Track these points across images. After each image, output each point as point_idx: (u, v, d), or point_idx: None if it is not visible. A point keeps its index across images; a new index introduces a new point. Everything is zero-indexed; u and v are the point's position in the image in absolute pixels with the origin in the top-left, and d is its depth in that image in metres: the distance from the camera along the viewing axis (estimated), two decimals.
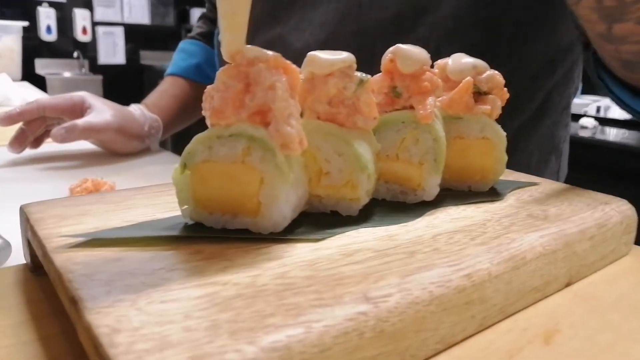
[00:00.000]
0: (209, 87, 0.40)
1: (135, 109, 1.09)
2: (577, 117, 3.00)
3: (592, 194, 0.57)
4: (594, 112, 3.18)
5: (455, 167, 0.56)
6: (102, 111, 0.98)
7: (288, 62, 0.40)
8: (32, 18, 4.55)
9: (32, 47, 4.56)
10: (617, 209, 0.54)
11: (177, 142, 5.14)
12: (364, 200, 0.46)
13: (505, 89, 0.56)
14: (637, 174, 2.52)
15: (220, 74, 0.39)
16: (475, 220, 0.48)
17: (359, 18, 0.89)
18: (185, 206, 0.42)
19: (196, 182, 0.41)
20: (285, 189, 0.40)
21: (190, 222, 0.42)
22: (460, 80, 0.55)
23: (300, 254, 0.38)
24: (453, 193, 0.55)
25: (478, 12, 0.85)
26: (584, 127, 2.92)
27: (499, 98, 0.56)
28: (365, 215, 0.47)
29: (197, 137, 0.40)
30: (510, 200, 0.54)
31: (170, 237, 0.40)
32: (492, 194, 0.56)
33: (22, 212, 0.45)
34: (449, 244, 0.41)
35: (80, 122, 0.93)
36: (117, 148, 1.02)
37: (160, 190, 0.51)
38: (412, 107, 0.50)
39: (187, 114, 1.25)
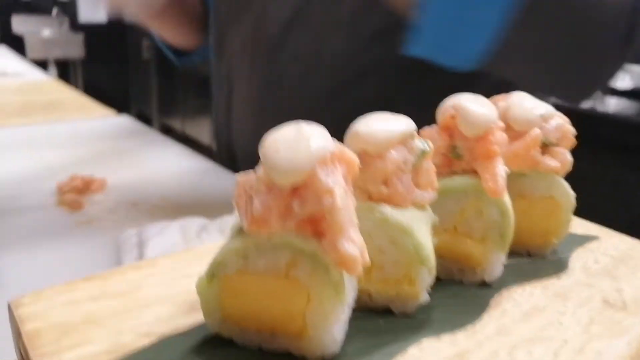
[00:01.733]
0: (243, 183, 0.31)
1: None
2: None
3: None
4: None
5: (514, 229, 0.49)
6: None
7: (345, 149, 0.31)
8: None
9: (7, 5, 4.31)
10: None
11: (161, 113, 4.98)
12: (424, 297, 0.38)
13: (574, 137, 0.48)
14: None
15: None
16: (548, 314, 0.40)
17: None
18: (213, 319, 0.34)
19: (227, 295, 0.33)
20: (340, 308, 0.32)
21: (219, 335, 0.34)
22: (525, 130, 0.46)
23: None
24: (511, 264, 0.48)
25: None
26: None
27: (569, 146, 0.48)
28: (421, 313, 0.39)
29: (230, 247, 0.32)
30: (577, 271, 0.47)
31: None
32: (553, 260, 0.49)
33: (11, 311, 0.36)
34: None
35: None
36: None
37: (174, 265, 0.43)
38: (474, 171, 0.42)
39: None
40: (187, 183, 1.04)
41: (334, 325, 0.32)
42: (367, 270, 0.38)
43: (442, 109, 0.42)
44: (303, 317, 0.32)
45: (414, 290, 0.38)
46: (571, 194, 0.47)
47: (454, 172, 0.43)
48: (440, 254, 0.43)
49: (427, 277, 0.38)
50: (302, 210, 0.30)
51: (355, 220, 0.31)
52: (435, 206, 0.42)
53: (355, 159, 0.32)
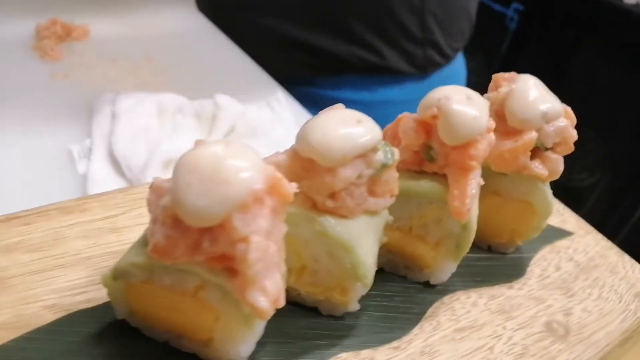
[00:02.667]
0: (156, 189, 0.27)
1: None
2: None
3: (629, 269, 0.48)
4: None
5: (480, 224, 0.45)
6: None
7: (280, 182, 0.27)
8: None
9: None
10: None
11: None
12: (354, 307, 0.36)
13: (573, 144, 0.42)
14: None
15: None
16: (483, 335, 0.39)
17: None
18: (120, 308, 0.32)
19: (132, 297, 0.31)
20: (249, 336, 0.30)
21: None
22: (520, 129, 0.40)
23: None
24: (467, 260, 0.45)
25: None
26: None
27: (565, 152, 0.42)
28: (349, 317, 0.37)
29: (134, 261, 0.28)
30: (533, 280, 0.45)
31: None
32: (513, 260, 0.46)
33: None
34: None
35: None
36: None
37: (105, 213, 0.40)
38: (444, 176, 0.37)
39: None
40: (174, 44, 0.96)
41: (241, 346, 0.31)
42: (299, 272, 0.36)
43: (426, 102, 0.36)
44: (210, 331, 0.31)
45: (344, 299, 0.36)
46: (551, 202, 0.43)
47: (422, 172, 0.38)
48: (389, 249, 0.41)
49: (361, 289, 0.35)
50: (212, 249, 0.26)
51: (277, 260, 0.28)
52: (394, 205, 0.38)
53: (289, 193, 0.27)
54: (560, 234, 0.50)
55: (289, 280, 0.36)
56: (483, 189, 0.41)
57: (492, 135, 0.37)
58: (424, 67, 0.95)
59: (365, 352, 0.36)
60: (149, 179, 0.64)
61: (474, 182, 0.36)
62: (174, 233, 0.26)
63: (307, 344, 0.35)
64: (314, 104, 0.84)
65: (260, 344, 0.33)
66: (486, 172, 0.41)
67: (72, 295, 0.34)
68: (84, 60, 0.85)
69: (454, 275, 0.42)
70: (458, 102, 0.35)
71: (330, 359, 0.34)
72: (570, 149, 0.42)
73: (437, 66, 0.96)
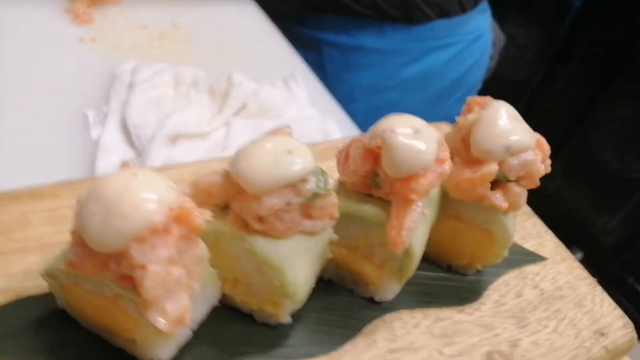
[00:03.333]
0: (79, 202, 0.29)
1: None
2: None
3: (597, 303, 0.47)
4: None
5: (440, 245, 0.45)
6: None
7: (187, 210, 0.28)
8: None
9: None
10: (610, 345, 0.44)
11: None
12: (286, 320, 0.38)
13: (538, 179, 0.41)
14: None
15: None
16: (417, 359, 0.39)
17: None
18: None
19: (66, 294, 0.33)
20: (165, 346, 0.32)
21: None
22: (483, 159, 0.39)
23: None
24: (421, 278, 0.45)
25: None
26: None
27: (530, 186, 0.41)
28: (285, 328, 0.39)
29: (58, 267, 0.31)
30: (487, 305, 0.45)
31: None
32: (470, 283, 0.46)
33: None
34: None
35: None
36: None
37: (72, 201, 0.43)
38: (390, 202, 0.37)
39: None
40: (203, 13, 0.97)
41: (159, 349, 0.33)
42: (233, 283, 0.37)
43: (373, 131, 0.36)
44: (132, 332, 0.33)
45: (276, 311, 0.37)
46: (511, 233, 0.42)
47: (370, 195, 0.38)
48: (337, 264, 0.42)
49: (292, 305, 0.37)
50: (117, 269, 0.28)
51: (185, 283, 0.29)
52: (341, 225, 0.39)
53: (198, 224, 0.28)
54: (532, 258, 0.49)
55: (224, 288, 0.37)
56: (443, 212, 0.41)
57: (444, 166, 0.37)
58: (411, 15, 0.90)
59: None
60: (154, 152, 0.67)
61: (414, 214, 0.36)
62: (82, 252, 0.28)
63: (237, 349, 0.37)
64: (302, 44, 0.86)
65: (191, 344, 0.36)
66: (447, 196, 0.41)
67: (25, 280, 0.37)
68: (114, 24, 0.88)
69: (403, 292, 0.43)
70: (403, 136, 0.34)
71: None
72: (535, 184, 0.41)
73: (427, 17, 0.91)
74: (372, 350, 0.39)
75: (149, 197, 0.27)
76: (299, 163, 0.32)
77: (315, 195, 0.33)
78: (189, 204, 0.28)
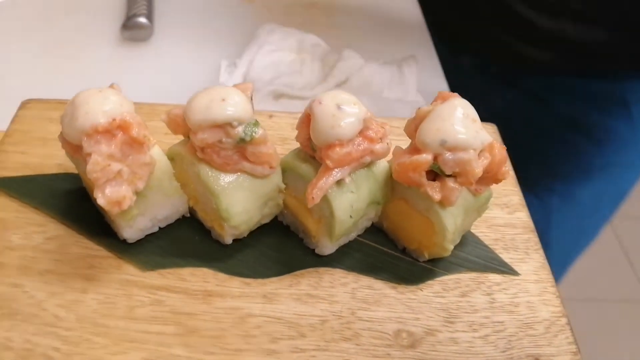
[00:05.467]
0: None
1: None
2: None
3: (552, 328, 0.45)
4: None
5: (394, 224, 0.49)
6: None
7: (128, 122, 0.39)
8: None
9: None
10: None
11: None
12: (227, 241, 0.47)
13: (478, 180, 0.42)
14: None
15: None
16: (325, 310, 0.45)
17: None
18: None
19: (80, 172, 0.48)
20: (126, 223, 0.44)
21: None
22: (422, 150, 0.42)
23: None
24: (373, 251, 0.49)
25: None
26: None
27: (465, 184, 0.42)
28: (234, 247, 0.48)
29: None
30: (425, 292, 0.47)
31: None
32: (415, 271, 0.48)
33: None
34: (253, 334, 0.42)
35: None
36: None
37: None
38: None
39: None
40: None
41: (125, 229, 0.45)
42: (195, 200, 0.48)
43: (310, 101, 0.42)
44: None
45: (222, 232, 0.47)
46: (447, 227, 0.44)
47: (312, 157, 0.44)
48: (291, 212, 0.49)
49: (231, 229, 0.46)
50: (81, 156, 0.40)
51: (125, 178, 0.40)
52: (289, 177, 0.46)
53: (136, 136, 0.39)
54: (499, 267, 0.49)
55: (190, 202, 0.48)
56: (394, 192, 0.46)
57: (374, 145, 0.41)
58: None
59: (220, 275, 0.46)
60: (256, 104, 0.80)
61: (329, 178, 0.41)
62: (62, 139, 0.41)
63: (188, 251, 0.47)
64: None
65: (156, 237, 0.47)
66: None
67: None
68: None
69: (348, 256, 0.48)
70: (325, 108, 0.40)
71: (188, 268, 0.46)
72: (470, 182, 0.42)
73: None
74: (292, 289, 0.46)
75: (99, 108, 0.38)
76: (227, 109, 0.40)
77: (242, 140, 0.41)
78: (133, 119, 0.39)
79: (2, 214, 0.48)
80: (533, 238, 0.52)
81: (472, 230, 0.52)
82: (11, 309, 0.42)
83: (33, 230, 0.47)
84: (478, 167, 0.41)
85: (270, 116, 0.59)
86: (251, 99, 0.44)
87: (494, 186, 0.54)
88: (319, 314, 0.45)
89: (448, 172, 0.42)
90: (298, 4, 1.00)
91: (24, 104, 0.57)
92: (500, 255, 0.50)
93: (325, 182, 0.41)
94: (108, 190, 0.40)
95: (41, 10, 0.88)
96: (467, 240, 0.51)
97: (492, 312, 0.46)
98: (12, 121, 0.56)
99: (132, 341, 0.41)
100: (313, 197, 0.41)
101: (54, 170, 0.52)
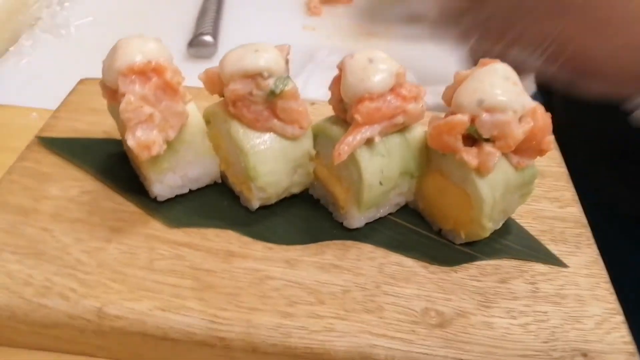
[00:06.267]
0: None
1: None
2: None
3: (604, 325, 0.40)
4: None
5: (429, 201, 0.46)
6: None
7: (161, 63, 0.40)
8: None
9: None
10: None
11: None
12: (254, 206, 0.46)
13: (519, 150, 0.39)
14: None
15: None
16: (349, 280, 0.42)
17: None
18: None
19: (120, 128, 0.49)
20: (153, 169, 0.44)
21: None
22: (458, 112, 0.40)
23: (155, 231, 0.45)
24: (401, 229, 0.46)
25: None
26: None
27: (505, 149, 0.40)
28: (259, 213, 0.47)
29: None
30: (459, 273, 0.43)
31: None
32: (456, 251, 0.45)
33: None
34: (270, 295, 0.40)
35: None
36: None
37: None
38: None
39: None
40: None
41: (155, 186, 0.45)
42: (226, 162, 0.47)
43: (343, 57, 0.41)
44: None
45: (249, 196, 0.46)
46: (484, 198, 0.41)
47: (344, 120, 0.43)
48: (321, 183, 0.47)
49: (258, 191, 0.45)
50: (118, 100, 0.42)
51: (156, 122, 0.41)
52: (320, 143, 0.45)
53: (169, 80, 0.40)
54: (545, 257, 0.45)
55: (221, 166, 0.48)
56: (430, 164, 0.44)
57: (406, 104, 0.40)
58: None
59: (244, 238, 0.45)
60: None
61: (358, 134, 0.40)
62: (103, 86, 0.42)
63: (216, 214, 0.47)
64: None
65: (186, 199, 0.47)
66: (432, 149, 0.43)
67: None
68: (336, 20, 1.05)
69: (379, 232, 0.46)
70: (356, 62, 0.39)
71: (213, 229, 0.45)
72: (509, 147, 0.39)
73: None
74: (316, 257, 0.44)
75: (136, 49, 0.40)
76: (259, 59, 0.40)
77: (272, 93, 0.41)
78: (169, 65, 0.40)
79: (46, 168, 0.50)
80: (585, 233, 0.47)
81: (518, 221, 0.48)
82: (37, 250, 0.43)
83: (71, 184, 0.49)
84: (518, 130, 0.38)
85: (312, 104, 0.59)
86: (287, 62, 0.44)
87: (544, 180, 0.51)
88: (342, 284, 0.42)
89: (486, 136, 0.39)
90: (357, 32, 1.02)
91: (82, 81, 0.60)
92: (548, 247, 0.46)
93: (353, 138, 0.40)
94: (139, 133, 0.40)
95: (116, 29, 0.95)
96: (510, 228, 0.47)
97: (534, 300, 0.42)
98: (69, 94, 0.59)
99: (147, 290, 0.41)
100: (340, 153, 0.40)
101: (99, 136, 0.54)
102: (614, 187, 0.71)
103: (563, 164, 0.54)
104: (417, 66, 0.86)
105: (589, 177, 0.57)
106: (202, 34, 0.87)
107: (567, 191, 0.51)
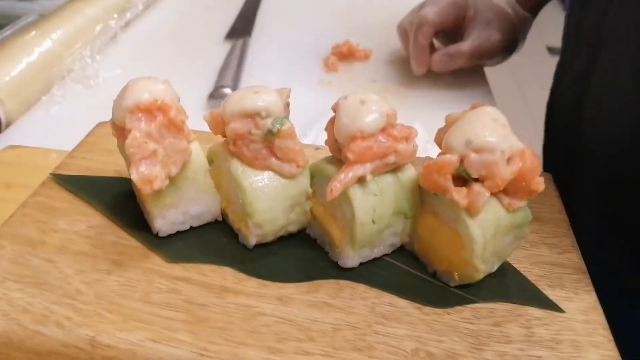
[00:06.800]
0: None
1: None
2: None
3: None
4: None
5: (423, 242, 0.47)
6: (490, 25, 0.80)
7: (166, 102, 0.42)
8: None
9: None
10: None
11: None
12: (251, 243, 0.47)
13: (510, 191, 0.39)
14: None
15: None
16: (340, 319, 0.42)
17: None
18: None
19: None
20: (157, 211, 0.46)
21: None
22: (447, 152, 0.41)
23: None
24: (395, 270, 0.47)
25: None
26: None
27: (493, 189, 0.40)
28: (257, 251, 0.48)
29: None
30: (452, 316, 0.43)
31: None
32: (450, 293, 0.45)
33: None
34: (261, 331, 0.41)
35: (466, 47, 0.80)
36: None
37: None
38: None
39: None
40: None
41: (156, 222, 0.47)
42: (227, 200, 0.49)
43: (336, 101, 0.43)
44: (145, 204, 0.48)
45: (247, 233, 0.47)
46: (474, 238, 0.41)
47: (339, 160, 0.45)
48: (318, 221, 0.48)
49: (255, 228, 0.46)
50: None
51: (160, 159, 0.43)
52: (317, 182, 0.47)
53: (173, 118, 0.42)
54: (545, 303, 0.44)
55: (222, 203, 0.49)
56: (423, 205, 0.45)
57: (397, 144, 0.41)
58: None
59: (240, 275, 0.46)
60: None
61: (350, 172, 0.41)
62: (114, 125, 0.45)
63: (212, 249, 0.48)
64: None
65: (186, 235, 0.49)
66: (424, 190, 0.44)
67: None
68: (352, 76, 1.08)
69: (374, 274, 0.46)
70: (349, 103, 0.41)
71: (210, 265, 0.46)
72: (498, 186, 0.40)
73: None
74: (308, 295, 0.44)
75: (144, 89, 0.42)
76: (258, 99, 0.42)
77: (270, 132, 0.43)
78: (173, 103, 0.43)
79: (57, 203, 0.52)
80: (584, 279, 0.47)
81: (515, 266, 0.48)
82: (40, 279, 0.44)
83: (78, 218, 0.51)
84: (506, 170, 0.39)
85: (317, 149, 0.60)
86: (287, 105, 0.46)
87: (543, 226, 0.51)
88: (333, 322, 0.42)
89: (474, 175, 0.40)
90: (372, 89, 1.05)
91: (99, 124, 0.64)
92: (545, 292, 0.45)
93: (345, 176, 0.41)
94: (142, 167, 0.42)
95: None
96: (506, 271, 0.47)
97: (528, 345, 0.41)
98: (86, 136, 0.62)
99: (141, 321, 0.41)
100: (332, 190, 0.41)
101: (111, 174, 0.56)
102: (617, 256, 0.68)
103: (563, 211, 0.54)
104: (428, 118, 0.88)
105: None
106: (223, 86, 0.91)
107: (567, 237, 0.51)
